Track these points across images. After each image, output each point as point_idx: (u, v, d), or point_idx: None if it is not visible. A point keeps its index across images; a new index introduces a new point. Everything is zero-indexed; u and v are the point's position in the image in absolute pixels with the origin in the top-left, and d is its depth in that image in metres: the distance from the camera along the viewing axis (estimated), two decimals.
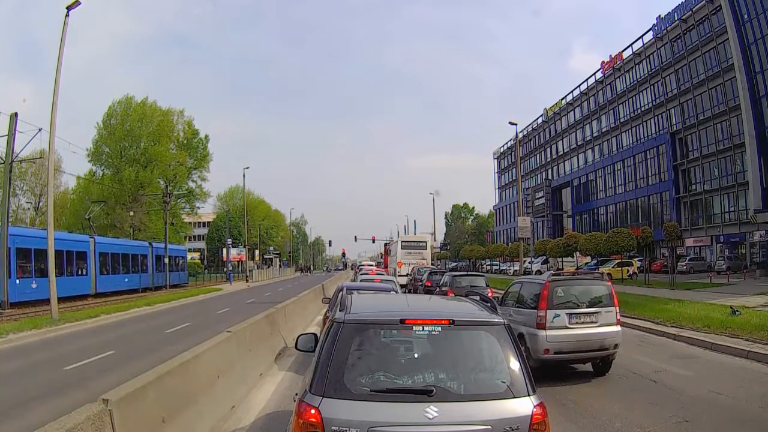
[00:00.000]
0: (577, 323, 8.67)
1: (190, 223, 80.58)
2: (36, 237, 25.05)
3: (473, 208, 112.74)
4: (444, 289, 18.43)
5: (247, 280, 52.21)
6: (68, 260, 28.79)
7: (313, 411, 3.01)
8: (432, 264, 44.56)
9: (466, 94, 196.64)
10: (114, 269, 34.71)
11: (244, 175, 57.73)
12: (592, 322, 8.76)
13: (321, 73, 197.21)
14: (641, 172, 51.35)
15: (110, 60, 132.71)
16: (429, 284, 23.26)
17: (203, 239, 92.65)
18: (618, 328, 8.91)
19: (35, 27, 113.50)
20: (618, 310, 9.10)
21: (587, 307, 8.87)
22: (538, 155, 75.55)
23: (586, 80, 61.64)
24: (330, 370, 3.14)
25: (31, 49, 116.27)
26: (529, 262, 45.23)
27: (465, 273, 22.09)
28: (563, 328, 8.54)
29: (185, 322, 18.03)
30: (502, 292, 11.51)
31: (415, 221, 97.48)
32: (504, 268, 57.08)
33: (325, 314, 10.89)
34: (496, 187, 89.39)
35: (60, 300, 19.65)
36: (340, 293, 7.51)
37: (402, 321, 3.34)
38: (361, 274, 20.68)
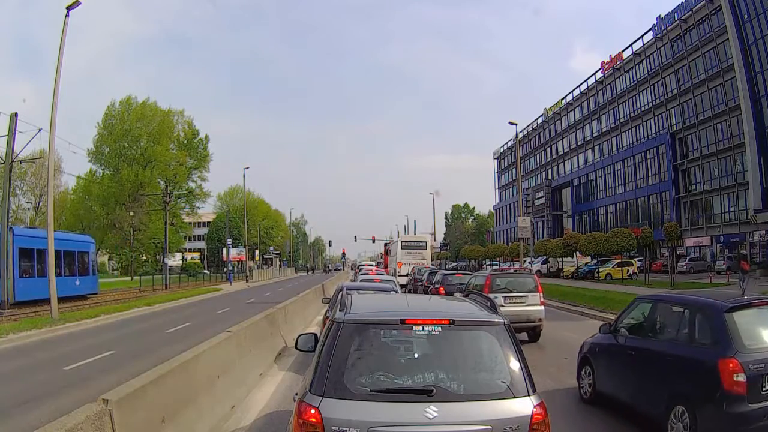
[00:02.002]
0: (510, 303, 12.34)
1: (190, 223, 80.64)
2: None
3: (473, 208, 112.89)
4: (436, 286, 20.16)
5: (247, 280, 52.17)
6: None
7: (313, 411, 3.00)
8: (432, 264, 44.55)
9: (466, 94, 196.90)
10: None
11: (244, 175, 57.68)
12: (521, 302, 12.60)
13: (321, 73, 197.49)
14: (641, 172, 51.35)
15: (111, 60, 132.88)
16: (428, 284, 23.42)
17: (203, 239, 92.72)
18: (541, 307, 12.70)
19: (36, 27, 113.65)
20: (541, 295, 13.03)
21: (518, 292, 12.74)
22: (538, 155, 75.54)
23: (586, 80, 61.72)
24: (330, 370, 3.14)
25: (31, 49, 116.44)
26: (529, 262, 45.20)
27: (454, 272, 23.52)
28: (500, 306, 11.46)
29: (185, 322, 18.03)
30: None
31: (415, 221, 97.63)
32: (505, 268, 56.99)
33: (325, 314, 10.89)
34: (496, 187, 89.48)
35: None
36: (340, 293, 7.51)
37: (402, 321, 3.34)
38: (361, 274, 20.73)
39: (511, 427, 3.03)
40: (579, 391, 7.47)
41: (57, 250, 25.20)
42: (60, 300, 23.22)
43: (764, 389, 5.11)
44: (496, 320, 3.49)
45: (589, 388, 7.26)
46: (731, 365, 5.05)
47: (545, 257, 47.05)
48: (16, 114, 22.61)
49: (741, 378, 5.03)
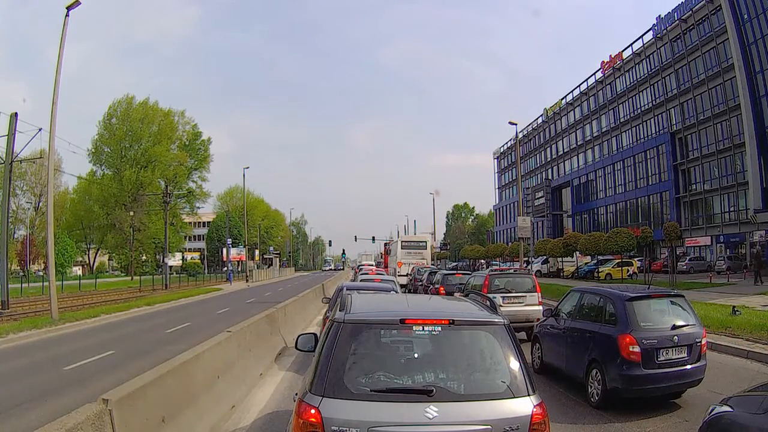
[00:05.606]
0: (509, 303, 12.41)
1: (190, 223, 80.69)
2: None
3: (473, 208, 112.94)
4: (436, 286, 20.23)
5: (247, 280, 52.14)
6: None
7: (313, 411, 3.00)
8: (432, 264, 44.53)
9: (466, 94, 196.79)
10: None
11: (244, 175, 57.93)
12: (519, 303, 12.68)
13: (320, 73, 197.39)
14: (641, 172, 51.32)
15: (111, 59, 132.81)
16: (428, 284, 23.44)
17: (203, 239, 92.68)
18: (539, 307, 12.25)
19: (35, 27, 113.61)
20: (540, 295, 13.08)
21: (516, 293, 12.83)
22: (538, 155, 75.48)
23: (586, 80, 61.62)
24: (330, 370, 3.13)
25: (31, 48, 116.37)
26: (528, 262, 45.18)
27: (454, 272, 23.52)
28: (499, 306, 12.56)
29: (185, 322, 18.03)
30: None
31: (415, 221, 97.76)
32: (504, 268, 56.87)
33: (325, 314, 10.89)
34: (496, 187, 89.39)
35: None
36: (340, 293, 7.51)
37: (402, 321, 3.34)
38: (361, 274, 20.73)
39: (511, 427, 3.03)
40: (532, 363, 8.99)
41: None
42: None
43: (659, 359, 6.65)
44: (496, 320, 3.48)
45: (539, 360, 9.11)
46: (627, 339, 6.68)
47: (545, 257, 47.00)
48: (16, 114, 22.59)
49: (635, 349, 6.61)
